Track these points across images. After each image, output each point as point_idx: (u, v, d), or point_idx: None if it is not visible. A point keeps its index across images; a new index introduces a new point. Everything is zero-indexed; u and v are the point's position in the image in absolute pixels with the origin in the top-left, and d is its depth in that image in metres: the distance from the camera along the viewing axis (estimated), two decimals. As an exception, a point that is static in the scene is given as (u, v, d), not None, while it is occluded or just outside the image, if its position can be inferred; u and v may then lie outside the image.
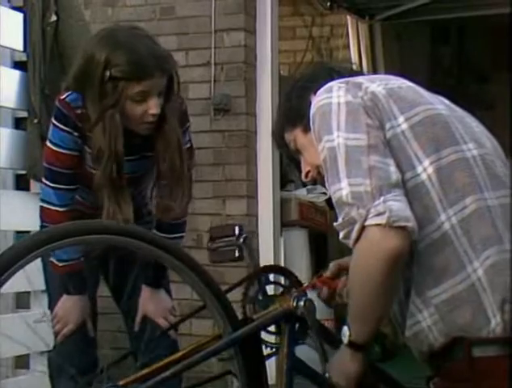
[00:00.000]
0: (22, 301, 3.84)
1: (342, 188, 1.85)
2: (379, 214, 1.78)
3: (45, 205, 2.61)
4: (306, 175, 2.20)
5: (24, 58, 3.66)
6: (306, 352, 2.22)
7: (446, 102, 2.04)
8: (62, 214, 2.57)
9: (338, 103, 1.93)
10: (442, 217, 1.85)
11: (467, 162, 1.91)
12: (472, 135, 1.97)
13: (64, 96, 2.56)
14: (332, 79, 2.04)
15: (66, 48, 3.64)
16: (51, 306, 2.74)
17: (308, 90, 2.13)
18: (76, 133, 2.55)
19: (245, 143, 4.78)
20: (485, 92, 7.62)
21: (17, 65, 3.78)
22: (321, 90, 2.00)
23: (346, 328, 1.93)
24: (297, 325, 2.17)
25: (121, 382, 2.07)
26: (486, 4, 6.00)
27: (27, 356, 3.65)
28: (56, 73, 3.63)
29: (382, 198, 1.80)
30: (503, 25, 6.09)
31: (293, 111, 2.16)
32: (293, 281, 2.26)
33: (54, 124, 2.57)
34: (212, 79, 4.78)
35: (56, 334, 2.68)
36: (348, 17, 6.41)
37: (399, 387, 2.22)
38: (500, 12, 5.85)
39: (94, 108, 2.49)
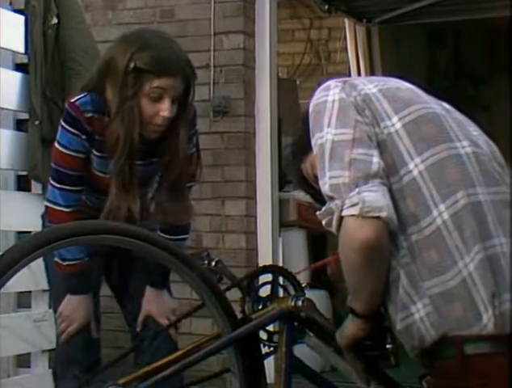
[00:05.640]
0: (23, 300, 3.86)
1: (325, 182, 1.91)
2: (353, 205, 1.84)
3: (51, 205, 2.62)
4: None
5: (25, 60, 3.67)
6: (304, 351, 2.25)
7: (446, 105, 2.06)
8: (67, 215, 2.58)
9: (333, 101, 1.97)
10: (434, 212, 1.87)
11: (460, 158, 1.93)
12: (467, 135, 1.98)
13: (74, 99, 2.58)
14: None
15: (67, 50, 3.67)
16: (55, 306, 2.75)
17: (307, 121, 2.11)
18: (84, 136, 2.56)
19: (243, 145, 4.80)
20: (481, 94, 7.64)
21: (18, 67, 3.79)
22: (319, 88, 2.04)
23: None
24: (295, 324, 2.20)
25: (121, 381, 2.09)
26: (482, 8, 6.01)
27: (29, 354, 3.67)
28: (57, 75, 3.65)
29: (357, 190, 1.85)
30: (499, 28, 6.12)
31: (301, 143, 2.17)
32: (292, 281, 2.29)
33: (62, 126, 2.58)
34: (212, 81, 4.79)
35: (60, 333, 2.68)
36: (346, 20, 6.42)
37: (397, 387, 2.23)
38: (496, 15, 5.87)
39: (114, 98, 2.52)
